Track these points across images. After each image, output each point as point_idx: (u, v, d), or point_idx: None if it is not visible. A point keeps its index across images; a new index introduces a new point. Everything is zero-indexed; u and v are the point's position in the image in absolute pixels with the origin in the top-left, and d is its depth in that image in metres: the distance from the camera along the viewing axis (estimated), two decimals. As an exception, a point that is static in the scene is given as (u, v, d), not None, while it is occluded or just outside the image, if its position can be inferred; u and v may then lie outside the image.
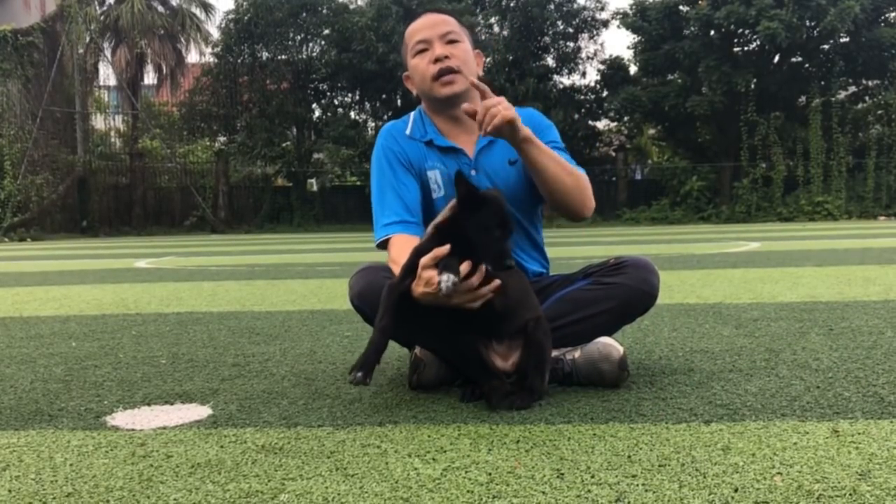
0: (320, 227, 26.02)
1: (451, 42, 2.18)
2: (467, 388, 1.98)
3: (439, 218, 1.91)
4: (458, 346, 1.96)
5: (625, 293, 2.09)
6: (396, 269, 2.02)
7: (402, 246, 2.05)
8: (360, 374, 1.80)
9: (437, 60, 2.15)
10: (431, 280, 1.78)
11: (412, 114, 2.32)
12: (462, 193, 1.83)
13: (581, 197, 2.10)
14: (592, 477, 1.37)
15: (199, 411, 1.92)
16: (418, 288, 1.83)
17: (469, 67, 2.19)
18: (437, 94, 2.17)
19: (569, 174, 2.07)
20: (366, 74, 26.20)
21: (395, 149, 2.24)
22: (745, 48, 25.60)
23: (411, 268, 1.86)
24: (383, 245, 2.17)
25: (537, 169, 2.04)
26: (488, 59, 25.16)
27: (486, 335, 1.95)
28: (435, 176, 2.22)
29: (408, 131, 2.27)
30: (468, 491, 1.31)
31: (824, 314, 3.30)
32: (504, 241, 1.82)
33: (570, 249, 9.79)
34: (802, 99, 26.19)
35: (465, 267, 1.79)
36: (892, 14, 24.83)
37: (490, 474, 1.39)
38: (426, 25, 2.20)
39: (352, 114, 29.31)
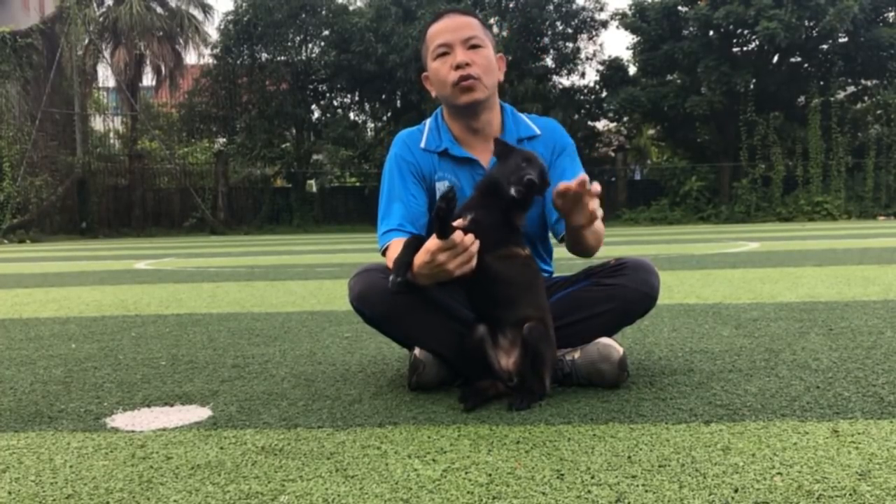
0: (319, 228, 26.03)
1: (474, 48, 2.14)
2: (467, 389, 1.98)
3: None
4: (464, 341, 1.96)
5: (625, 294, 2.09)
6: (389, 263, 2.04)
7: (397, 245, 2.05)
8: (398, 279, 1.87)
9: (458, 67, 2.12)
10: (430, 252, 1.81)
11: (428, 122, 2.29)
12: (498, 147, 1.95)
13: (595, 250, 2.15)
14: (592, 477, 1.37)
15: (199, 413, 1.92)
16: (417, 259, 1.86)
17: (491, 74, 2.16)
18: (457, 101, 2.15)
19: (597, 240, 2.10)
20: (365, 75, 26.20)
21: (408, 158, 2.22)
22: (744, 48, 25.60)
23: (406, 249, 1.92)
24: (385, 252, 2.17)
25: (577, 238, 2.06)
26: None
27: (488, 321, 1.95)
28: (443, 187, 2.20)
29: (422, 144, 2.24)
30: (468, 492, 1.31)
31: (824, 314, 3.30)
32: (527, 166, 1.89)
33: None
34: (801, 99, 26.18)
35: (458, 235, 1.79)
36: (891, 14, 24.84)
37: (490, 475, 1.39)
38: (449, 28, 2.16)
39: (351, 115, 29.31)
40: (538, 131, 2.27)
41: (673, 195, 26.03)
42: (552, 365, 1.97)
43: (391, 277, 1.85)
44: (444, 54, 2.16)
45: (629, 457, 1.48)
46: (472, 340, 1.95)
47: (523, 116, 2.31)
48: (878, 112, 25.44)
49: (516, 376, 1.92)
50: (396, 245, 2.07)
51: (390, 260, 2.04)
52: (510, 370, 1.93)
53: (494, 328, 1.96)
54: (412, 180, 2.20)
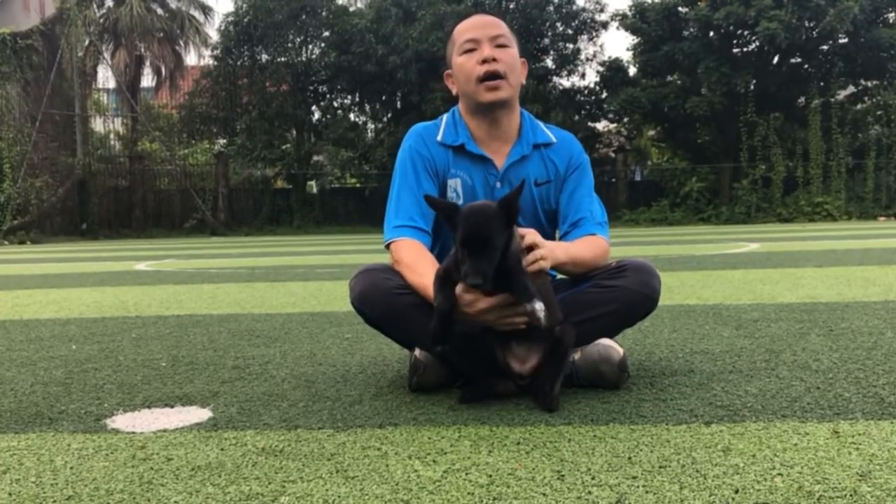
0: (320, 229, 26.02)
1: (501, 46, 2.16)
2: (467, 390, 1.98)
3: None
4: (473, 341, 1.95)
5: (626, 296, 2.08)
6: (403, 270, 2.06)
7: (410, 250, 2.07)
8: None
9: (484, 62, 2.13)
10: (466, 300, 1.83)
11: (445, 116, 2.29)
12: (442, 217, 1.83)
13: (591, 266, 2.16)
14: (593, 478, 1.37)
15: (200, 414, 1.92)
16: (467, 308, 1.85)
17: (515, 74, 2.18)
18: (481, 98, 2.15)
19: (589, 261, 2.13)
20: (365, 76, 26.20)
21: (423, 152, 2.21)
22: (745, 49, 25.59)
23: (443, 285, 1.87)
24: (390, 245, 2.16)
25: (563, 272, 2.16)
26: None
27: (509, 338, 1.94)
28: (455, 185, 2.21)
29: (439, 137, 2.23)
30: (469, 493, 1.31)
31: (824, 315, 3.30)
32: (469, 259, 1.72)
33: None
34: (802, 99, 26.17)
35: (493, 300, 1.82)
36: (891, 14, 24.83)
37: (490, 476, 1.39)
38: (477, 25, 2.19)
39: (351, 116, 29.30)
40: (554, 139, 2.28)
41: (673, 196, 26.03)
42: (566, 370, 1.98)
43: (437, 348, 1.90)
44: (471, 50, 2.17)
45: (630, 458, 1.48)
46: (481, 339, 1.93)
47: (541, 124, 2.32)
48: (879, 113, 25.43)
49: (529, 379, 1.92)
50: (407, 246, 2.09)
51: (401, 263, 2.07)
52: (523, 374, 1.93)
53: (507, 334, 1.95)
54: (425, 175, 2.19)
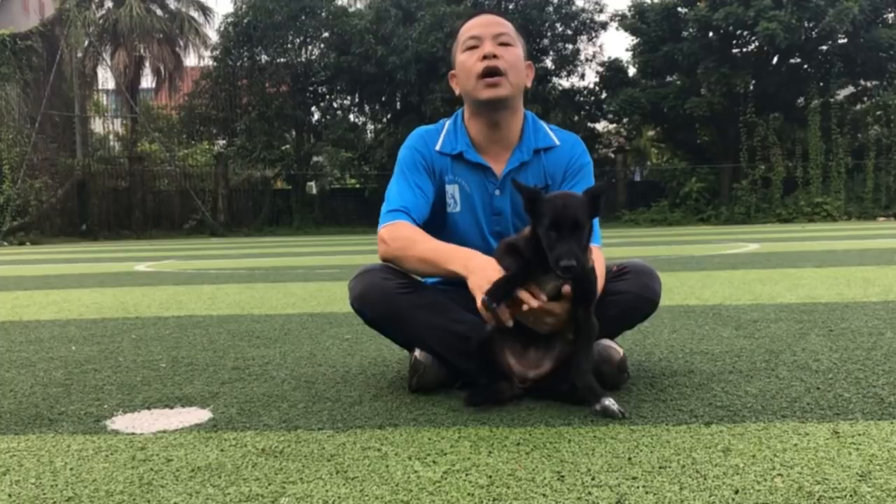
0: (320, 230, 26.02)
1: (504, 45, 2.14)
2: (475, 390, 1.97)
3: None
4: (472, 340, 1.94)
5: (627, 299, 2.08)
6: (405, 244, 2.03)
7: (407, 227, 2.06)
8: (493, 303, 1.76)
9: (485, 58, 2.11)
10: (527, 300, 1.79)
11: (447, 123, 2.28)
12: (524, 200, 1.81)
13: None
14: (593, 479, 1.37)
15: (199, 415, 1.92)
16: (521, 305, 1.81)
17: (517, 73, 2.15)
18: (480, 95, 2.13)
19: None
20: (365, 77, 26.21)
21: (423, 152, 2.21)
22: (744, 49, 25.61)
23: (510, 253, 1.85)
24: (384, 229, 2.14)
25: None
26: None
27: (527, 345, 1.94)
28: (453, 191, 2.20)
29: (438, 146, 2.22)
30: (469, 493, 1.31)
31: (824, 315, 3.30)
32: (560, 242, 1.71)
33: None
34: (801, 100, 26.16)
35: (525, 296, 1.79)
36: (891, 15, 24.85)
37: (490, 477, 1.39)
38: (481, 24, 2.18)
39: (351, 116, 29.33)
40: (557, 142, 2.25)
41: (673, 196, 26.03)
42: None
43: (485, 298, 1.77)
44: (473, 47, 2.15)
45: (629, 458, 1.48)
46: (481, 339, 1.93)
47: (545, 126, 2.29)
48: (878, 113, 25.43)
49: (532, 382, 1.92)
50: (403, 225, 2.07)
51: (399, 239, 2.04)
52: (526, 377, 1.93)
53: (525, 339, 1.93)
54: (424, 174, 2.19)
